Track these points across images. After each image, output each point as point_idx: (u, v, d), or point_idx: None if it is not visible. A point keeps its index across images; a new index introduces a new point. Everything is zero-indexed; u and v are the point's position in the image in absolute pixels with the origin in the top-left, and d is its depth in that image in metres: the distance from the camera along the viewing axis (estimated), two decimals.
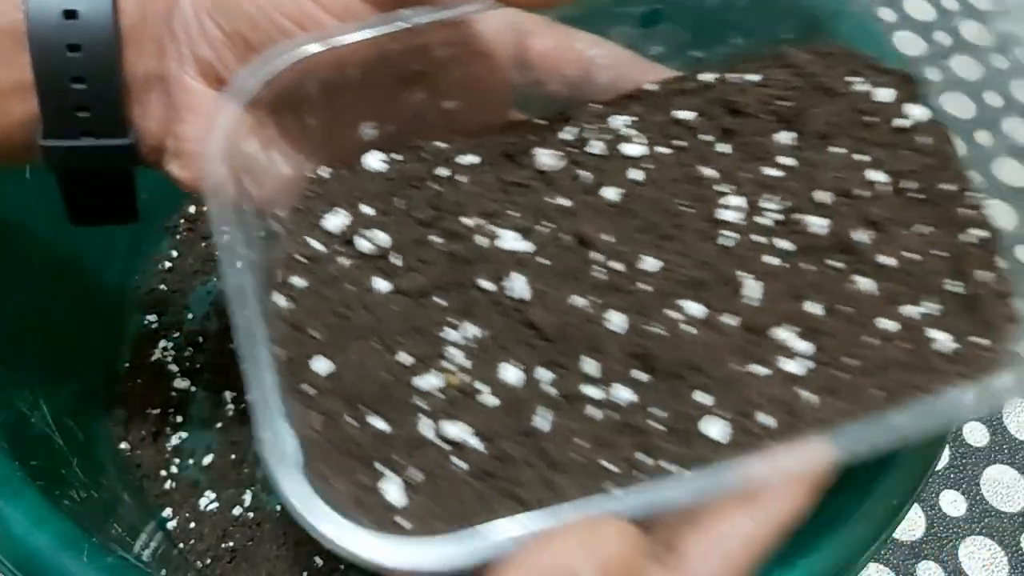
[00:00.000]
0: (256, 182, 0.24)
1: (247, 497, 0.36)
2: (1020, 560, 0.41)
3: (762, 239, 0.24)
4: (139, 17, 0.24)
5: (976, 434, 0.45)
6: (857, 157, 0.25)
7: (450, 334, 0.23)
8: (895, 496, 0.26)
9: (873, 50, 0.28)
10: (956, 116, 0.23)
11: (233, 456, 0.37)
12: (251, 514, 0.36)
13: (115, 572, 0.24)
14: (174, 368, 0.39)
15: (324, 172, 0.25)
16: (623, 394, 0.22)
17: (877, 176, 0.25)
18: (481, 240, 0.24)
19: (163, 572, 0.32)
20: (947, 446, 0.44)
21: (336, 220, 0.25)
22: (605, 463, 0.21)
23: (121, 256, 0.41)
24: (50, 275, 0.35)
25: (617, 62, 0.27)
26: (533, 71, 0.27)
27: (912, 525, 0.42)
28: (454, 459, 0.21)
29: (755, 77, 0.26)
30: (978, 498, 0.43)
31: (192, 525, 0.35)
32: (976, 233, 0.24)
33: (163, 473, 0.37)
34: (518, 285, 0.23)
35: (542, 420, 0.22)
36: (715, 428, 0.21)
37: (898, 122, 0.26)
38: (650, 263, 0.24)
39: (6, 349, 0.32)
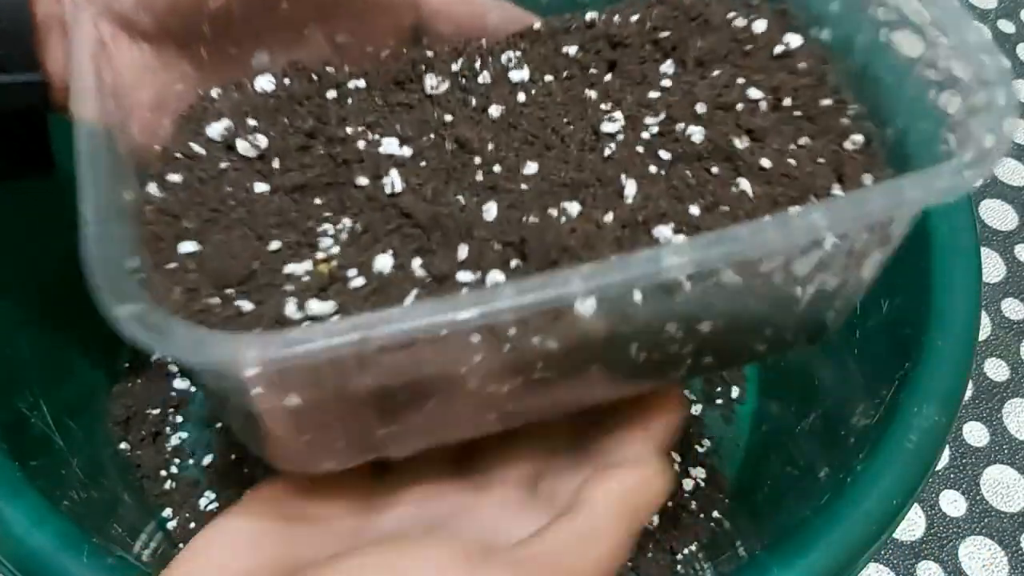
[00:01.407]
0: (145, 98, 0.24)
1: None
2: (1020, 560, 0.41)
3: (643, 149, 0.25)
4: None
5: (976, 434, 0.45)
6: (736, 80, 0.26)
7: (324, 227, 0.23)
8: (895, 496, 0.26)
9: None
10: (943, 83, 0.23)
11: (233, 456, 0.37)
12: None
13: (115, 572, 0.24)
14: (174, 368, 0.39)
15: (214, 92, 0.26)
16: (495, 276, 0.22)
17: (756, 94, 0.26)
18: (361, 144, 0.25)
19: None
20: (947, 446, 0.44)
21: (220, 126, 0.25)
22: None
23: None
24: (50, 275, 0.35)
25: (506, 8, 0.29)
26: (425, 10, 0.28)
27: (912, 525, 0.42)
28: None
29: (635, 16, 0.28)
30: (978, 498, 0.43)
31: (192, 525, 0.35)
32: (856, 140, 0.25)
33: (163, 473, 0.37)
34: (395, 181, 0.24)
35: (410, 299, 0.22)
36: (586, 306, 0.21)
37: (776, 49, 0.26)
38: (531, 167, 0.24)
39: (6, 349, 0.32)
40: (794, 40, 0.27)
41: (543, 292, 0.18)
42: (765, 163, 0.24)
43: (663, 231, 0.23)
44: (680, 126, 0.25)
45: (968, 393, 0.46)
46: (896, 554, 0.41)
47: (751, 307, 0.23)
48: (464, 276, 0.22)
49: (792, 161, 0.24)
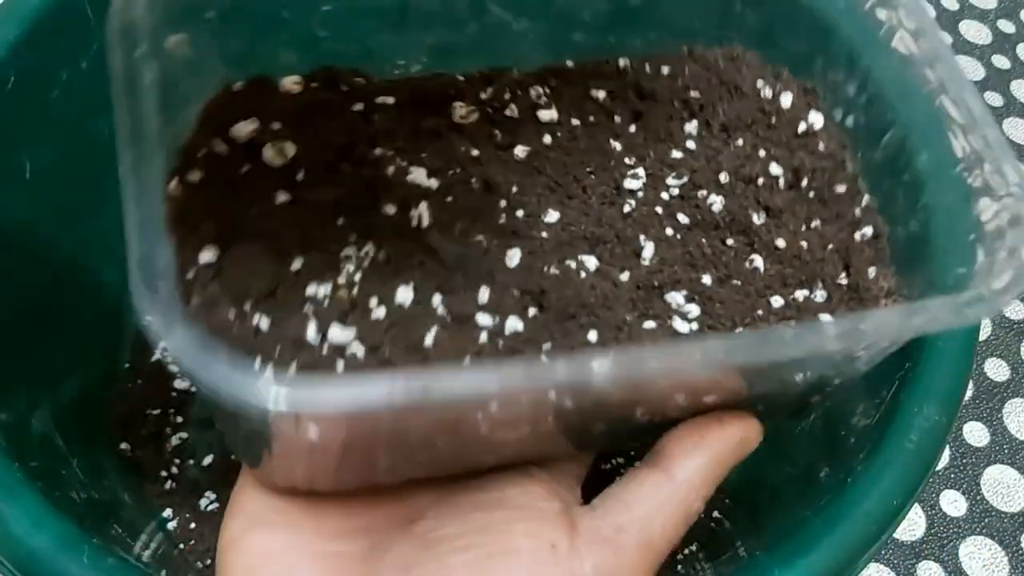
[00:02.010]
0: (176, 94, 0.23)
1: None
2: (1021, 560, 0.41)
3: (662, 210, 0.25)
4: None
5: (976, 434, 0.45)
6: (759, 152, 0.26)
7: (348, 251, 0.23)
8: (895, 496, 0.26)
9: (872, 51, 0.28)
10: (955, 116, 0.23)
11: (233, 456, 0.37)
12: None
13: (115, 573, 0.24)
14: (174, 368, 0.39)
15: (237, 86, 0.25)
16: (514, 324, 0.22)
17: (776, 169, 0.26)
18: (391, 170, 0.25)
19: (163, 573, 0.32)
20: (947, 446, 0.44)
21: (246, 127, 0.24)
22: None
23: (121, 256, 0.41)
24: (50, 276, 0.35)
25: None
26: None
27: (912, 525, 0.42)
28: (336, 361, 0.21)
29: (667, 68, 0.28)
30: (978, 498, 0.43)
31: (193, 525, 0.35)
32: (866, 232, 0.25)
33: (163, 473, 0.37)
34: (424, 215, 0.24)
35: (430, 336, 0.22)
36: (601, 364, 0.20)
37: (800, 127, 0.27)
38: (553, 216, 0.25)
39: (6, 350, 0.32)
40: (817, 120, 0.27)
41: (580, 374, 0.18)
42: (780, 242, 0.25)
43: (676, 297, 0.24)
44: (702, 192, 0.25)
45: (968, 393, 0.46)
46: (896, 554, 0.41)
47: (755, 386, 0.23)
48: (483, 319, 0.22)
49: (804, 244, 0.25)
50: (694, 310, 0.23)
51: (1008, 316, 0.49)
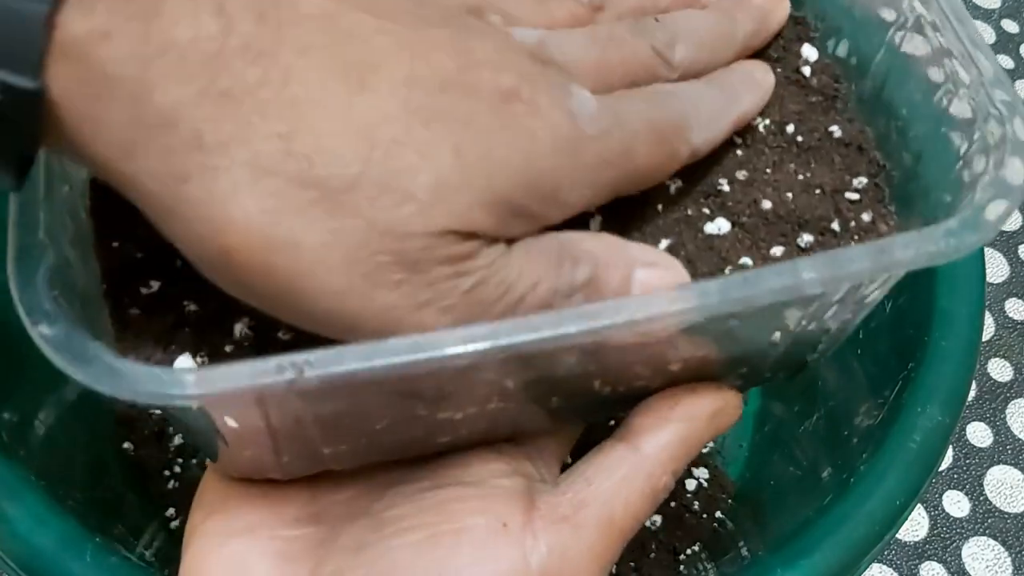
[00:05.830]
0: None
1: None
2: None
3: None
4: None
5: (979, 435, 0.45)
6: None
7: None
8: (898, 497, 0.26)
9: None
10: (957, 116, 0.23)
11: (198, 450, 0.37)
12: None
13: (118, 572, 0.24)
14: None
15: None
16: None
17: (756, 119, 0.24)
18: None
19: (166, 572, 0.32)
20: (950, 447, 0.44)
21: None
22: None
23: None
24: None
25: None
26: None
27: (915, 526, 0.42)
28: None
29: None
30: (981, 499, 0.43)
31: None
32: (859, 175, 0.24)
33: (166, 473, 0.37)
34: None
35: None
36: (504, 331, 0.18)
37: (792, 63, 0.25)
38: None
39: (10, 348, 0.32)
40: (811, 54, 0.25)
41: (535, 334, 0.17)
42: (756, 199, 0.23)
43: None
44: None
45: (972, 393, 0.46)
46: (899, 555, 0.41)
47: (724, 350, 0.22)
48: None
49: (789, 195, 0.23)
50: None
51: (1011, 316, 0.49)
